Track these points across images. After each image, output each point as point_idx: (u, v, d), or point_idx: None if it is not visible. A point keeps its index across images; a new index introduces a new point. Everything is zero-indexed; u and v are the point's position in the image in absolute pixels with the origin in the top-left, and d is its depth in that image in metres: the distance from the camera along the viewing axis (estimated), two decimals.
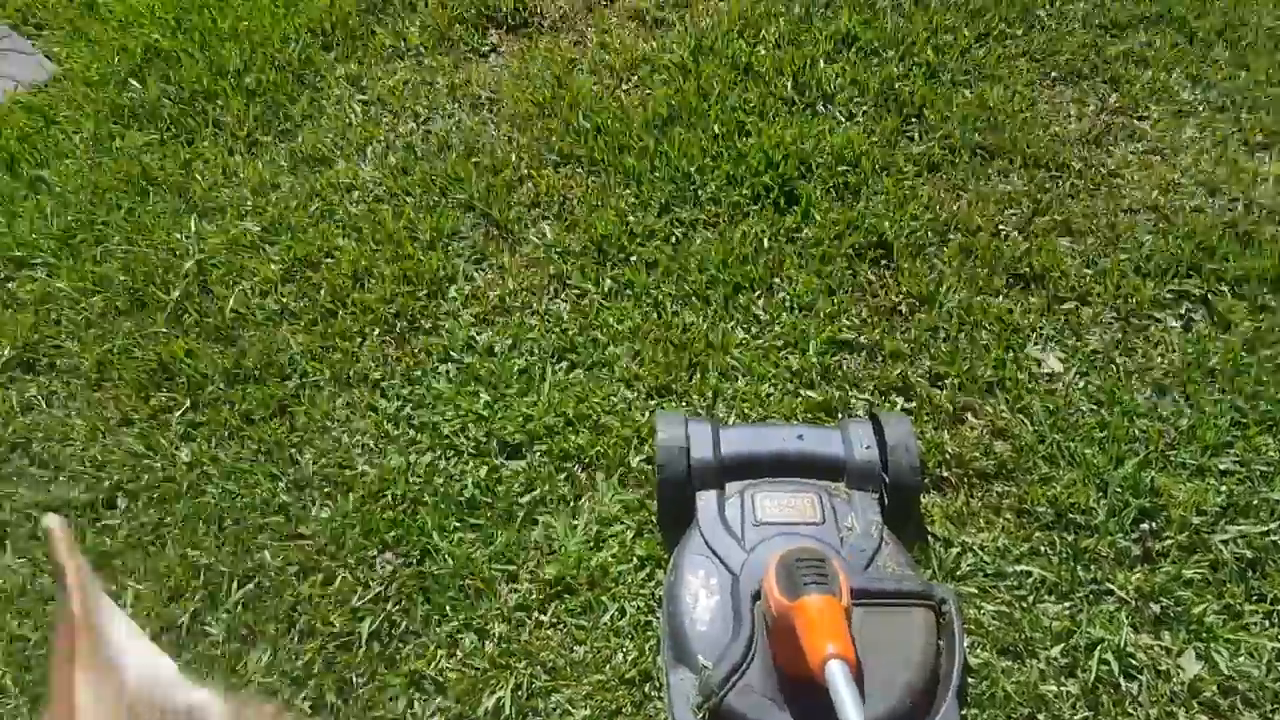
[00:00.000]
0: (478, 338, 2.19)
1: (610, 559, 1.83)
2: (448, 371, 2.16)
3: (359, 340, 2.22)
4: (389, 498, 1.96)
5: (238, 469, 2.05)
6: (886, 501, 1.74)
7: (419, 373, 2.16)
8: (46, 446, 2.15)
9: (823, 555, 1.46)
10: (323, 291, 2.31)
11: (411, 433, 2.07)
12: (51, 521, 0.58)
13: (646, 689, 1.67)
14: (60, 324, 2.34)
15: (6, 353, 2.29)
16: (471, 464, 1.99)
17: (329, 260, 2.37)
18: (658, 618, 1.74)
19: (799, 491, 1.73)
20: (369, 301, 2.27)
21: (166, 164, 2.60)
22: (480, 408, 2.06)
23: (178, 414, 2.16)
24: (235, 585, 1.88)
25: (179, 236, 2.45)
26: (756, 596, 1.56)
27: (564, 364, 2.14)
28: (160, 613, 1.87)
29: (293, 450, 2.07)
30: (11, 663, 1.86)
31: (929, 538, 1.77)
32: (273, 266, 2.37)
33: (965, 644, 1.56)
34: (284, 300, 2.31)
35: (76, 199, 2.55)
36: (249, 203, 2.51)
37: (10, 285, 2.43)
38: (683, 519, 1.77)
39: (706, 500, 1.74)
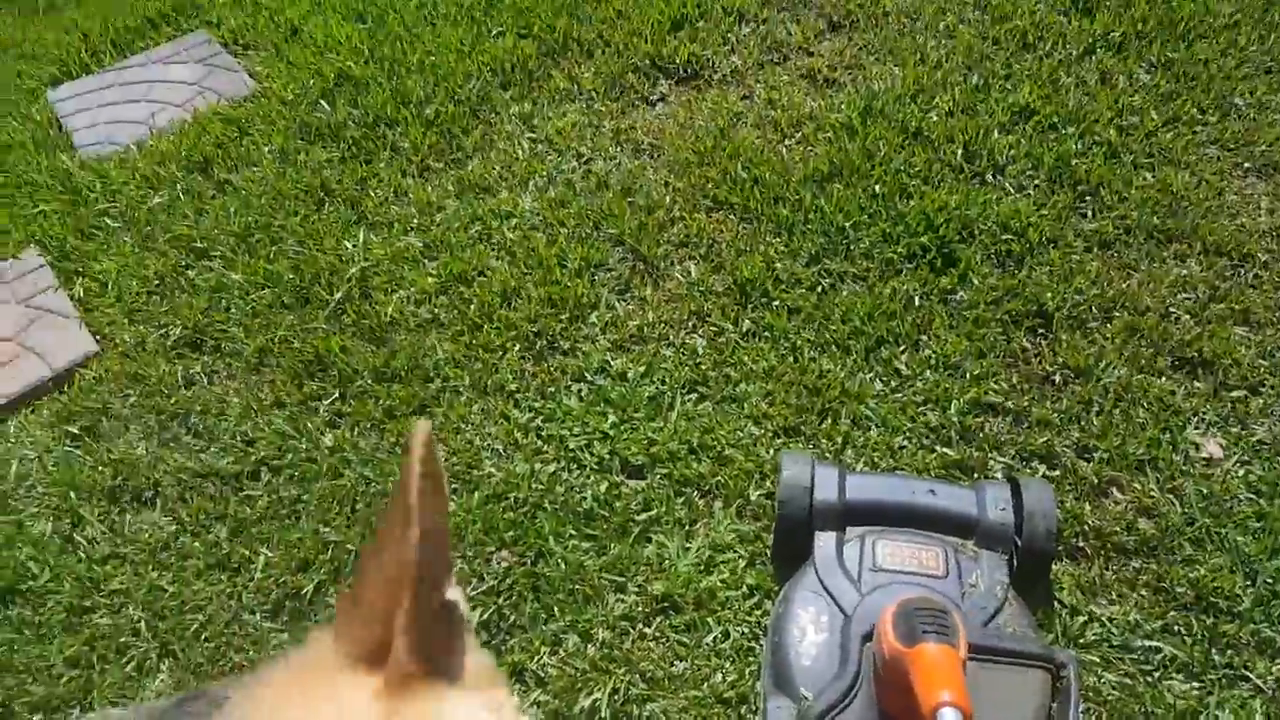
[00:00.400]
0: (612, 362, 2.59)
1: (719, 583, 2.12)
2: (580, 391, 2.56)
3: (500, 354, 2.66)
4: (511, 500, 2.34)
5: (375, 458, 2.49)
6: (1016, 565, 1.96)
7: (553, 389, 2.56)
8: (203, 419, 2.67)
9: (944, 607, 1.66)
10: (472, 306, 2.78)
11: (539, 443, 2.46)
12: (423, 425, 0.73)
13: (742, 711, 1.93)
14: (230, 311, 2.92)
15: (178, 331, 2.86)
16: (593, 478, 2.36)
17: (481, 278, 2.86)
18: (760, 644, 2.01)
19: (924, 544, 1.97)
20: (514, 319, 2.72)
21: (344, 179, 3.21)
22: (607, 427, 2.44)
23: (326, 402, 2.65)
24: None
25: (347, 245, 3.02)
26: (867, 639, 1.79)
27: (694, 395, 2.49)
28: (289, 580, 2.29)
29: None
30: (147, 610, 2.31)
31: (1055, 603, 1.98)
32: (429, 279, 2.88)
33: (1081, 710, 1.75)
34: (436, 311, 2.80)
35: (258, 203, 3.18)
36: (415, 220, 3.06)
37: (190, 273, 3.04)
38: (797, 557, 2.04)
39: (825, 540, 2.00)
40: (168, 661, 2.23)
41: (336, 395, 2.66)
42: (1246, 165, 2.79)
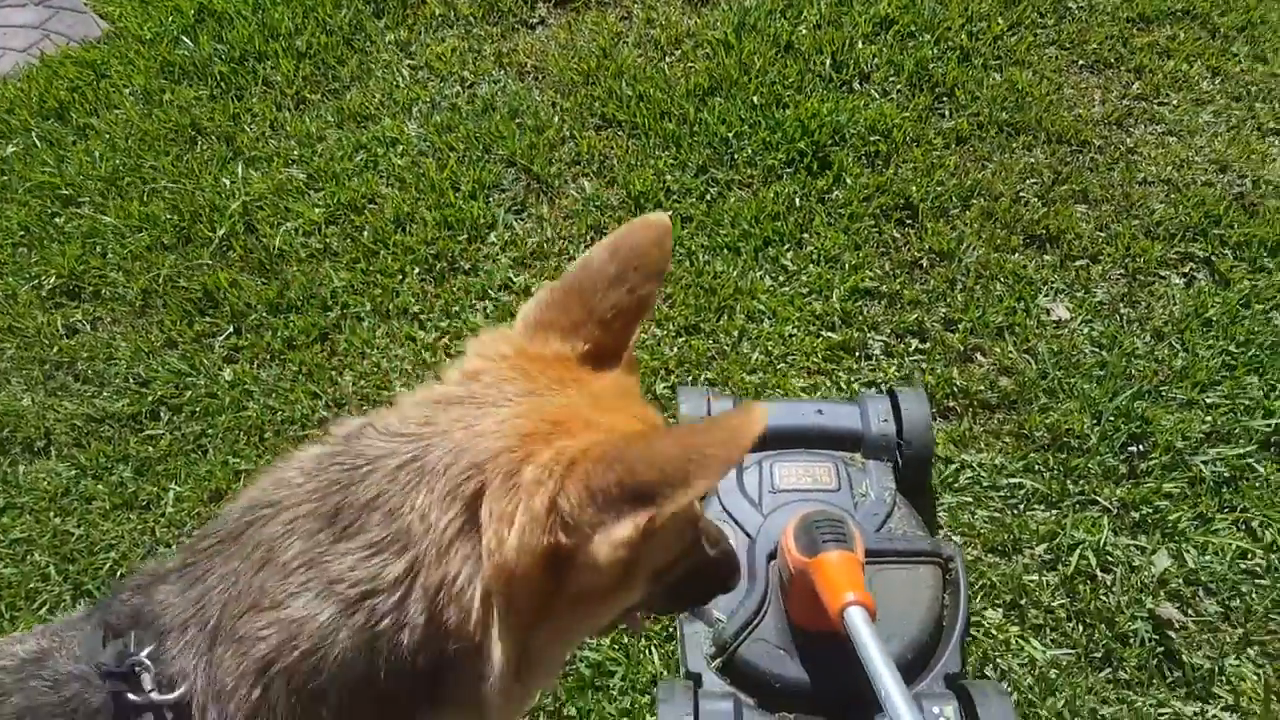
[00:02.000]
0: (515, 278, 2.91)
1: None
2: (485, 308, 2.87)
3: (399, 278, 2.95)
4: None
5: (279, 388, 2.75)
6: (901, 470, 2.32)
7: (457, 309, 2.87)
8: (91, 365, 2.87)
9: (840, 516, 2.00)
10: (365, 233, 3.05)
11: (449, 361, 2.77)
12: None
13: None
14: (106, 256, 3.09)
15: (53, 281, 3.03)
16: None
17: (372, 206, 3.13)
18: None
19: (816, 462, 2.32)
20: (410, 244, 3.01)
21: (215, 116, 3.40)
22: None
23: (221, 338, 2.88)
24: None
25: (225, 181, 3.22)
26: (771, 557, 2.13)
27: None
28: (201, 512, 2.54)
29: (333, 373, 2.77)
30: (54, 554, 2.52)
31: (933, 456, 2.42)
32: (317, 210, 3.12)
33: (969, 600, 2.12)
34: (327, 240, 3.06)
35: (125, 145, 3.34)
36: (295, 152, 3.29)
37: (58, 220, 3.19)
38: None
39: None
40: (83, 602, 2.44)
41: (231, 330, 2.90)
42: (1081, 62, 3.32)
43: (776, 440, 2.35)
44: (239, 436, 2.67)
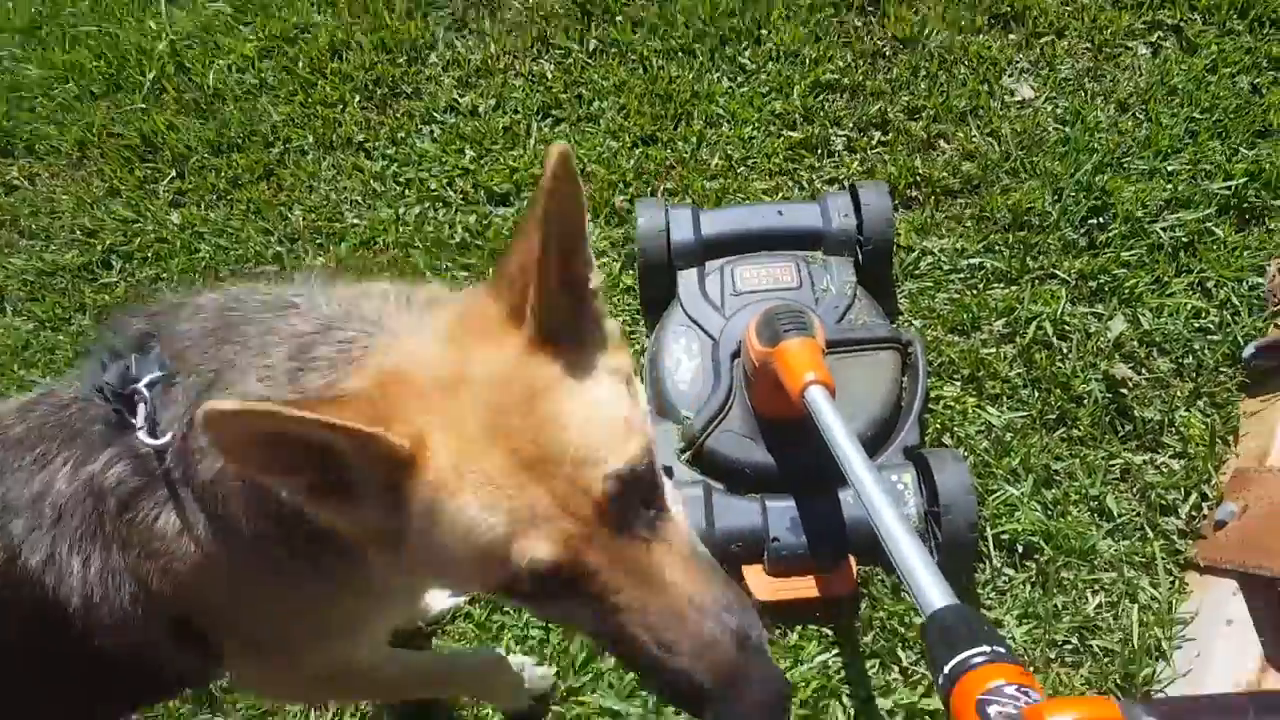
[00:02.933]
0: (460, 100, 3.09)
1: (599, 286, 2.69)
2: (432, 132, 3.06)
3: (340, 107, 3.13)
4: (381, 244, 2.85)
5: (229, 227, 2.96)
6: (862, 263, 2.55)
7: (403, 134, 3.06)
8: (35, 220, 3.08)
9: (800, 309, 2.23)
10: (301, 64, 3.22)
11: (399, 188, 2.97)
12: (556, 149, 1.07)
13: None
14: (35, 110, 3.26)
15: None
16: (460, 213, 2.89)
17: (305, 35, 3.29)
18: (643, 335, 2.61)
19: (776, 261, 2.56)
20: (348, 71, 3.18)
21: None
22: (466, 163, 2.96)
23: (164, 183, 3.09)
24: None
25: (150, 23, 3.38)
26: (735, 356, 2.39)
27: (549, 120, 3.04)
28: None
29: (282, 208, 2.98)
30: None
31: (894, 247, 2.63)
32: (248, 45, 3.28)
33: (927, 378, 2.40)
34: (262, 75, 3.23)
35: None
36: None
37: None
38: (663, 299, 2.59)
39: (687, 277, 2.57)
40: None
41: (174, 174, 3.11)
42: None
43: (737, 244, 2.59)
44: (194, 278, 2.91)
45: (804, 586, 2.15)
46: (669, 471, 2.28)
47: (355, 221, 2.93)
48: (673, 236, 2.55)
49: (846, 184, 2.73)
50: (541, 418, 1.13)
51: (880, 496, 1.60)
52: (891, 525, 1.52)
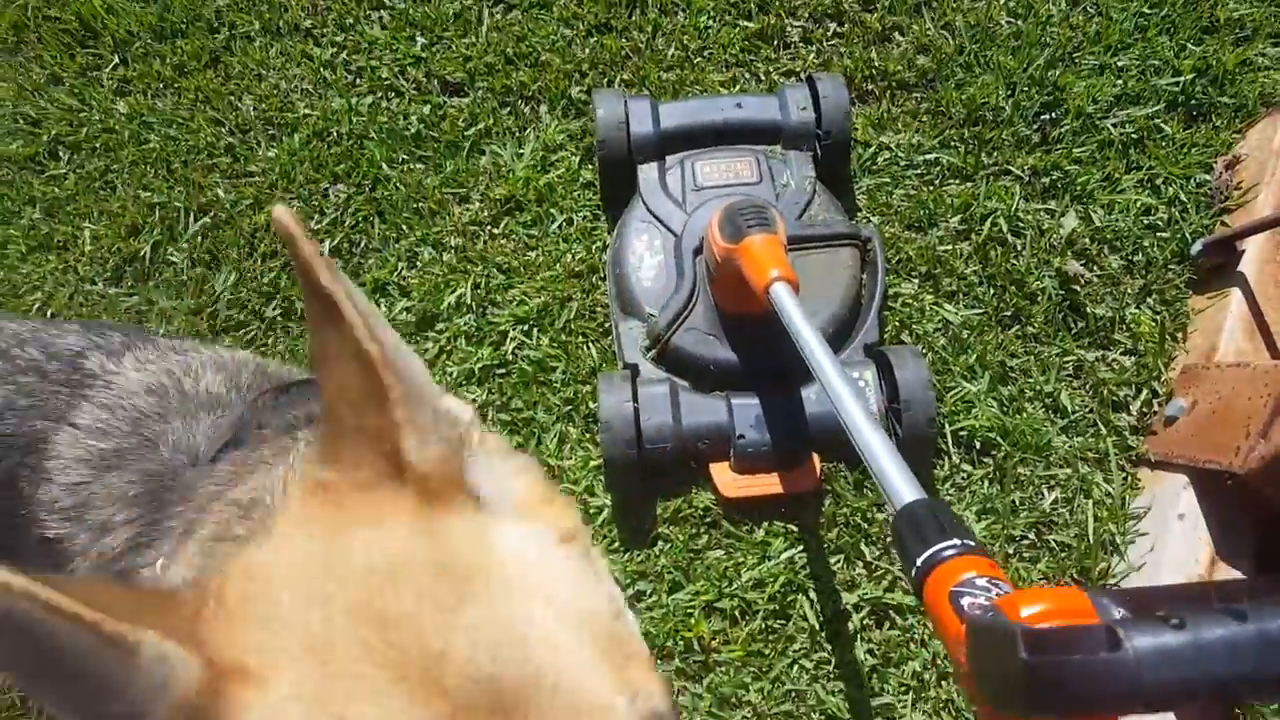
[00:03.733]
0: None
1: (556, 179, 2.66)
2: (381, 18, 2.92)
3: None
4: (334, 136, 2.76)
5: (178, 117, 2.83)
6: (820, 157, 2.51)
7: (351, 20, 2.92)
8: None
9: (762, 204, 2.19)
10: None
11: (350, 77, 2.85)
12: (279, 212, 0.73)
13: (594, 279, 2.53)
14: None
15: None
16: (414, 103, 2.79)
17: None
18: (604, 230, 2.59)
19: (737, 156, 2.51)
20: None
21: None
22: (418, 50, 2.84)
23: (108, 70, 2.92)
24: (192, 219, 2.69)
25: None
26: (698, 252, 2.35)
27: (500, 6, 2.91)
28: (120, 248, 2.68)
29: (231, 98, 2.84)
30: None
31: (852, 141, 2.62)
32: None
33: (886, 275, 2.40)
34: None
35: None
36: None
37: None
38: (623, 194, 2.54)
39: (648, 171, 2.52)
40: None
41: (117, 60, 2.94)
42: None
43: (697, 138, 2.54)
44: (146, 170, 2.78)
45: (769, 483, 2.17)
46: (636, 369, 2.29)
47: (307, 112, 2.80)
48: (632, 129, 2.48)
49: (803, 76, 2.67)
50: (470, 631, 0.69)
51: (847, 393, 1.60)
52: (859, 421, 1.52)
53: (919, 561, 1.16)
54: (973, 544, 1.15)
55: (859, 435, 1.52)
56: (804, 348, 1.79)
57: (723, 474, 2.21)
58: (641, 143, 2.50)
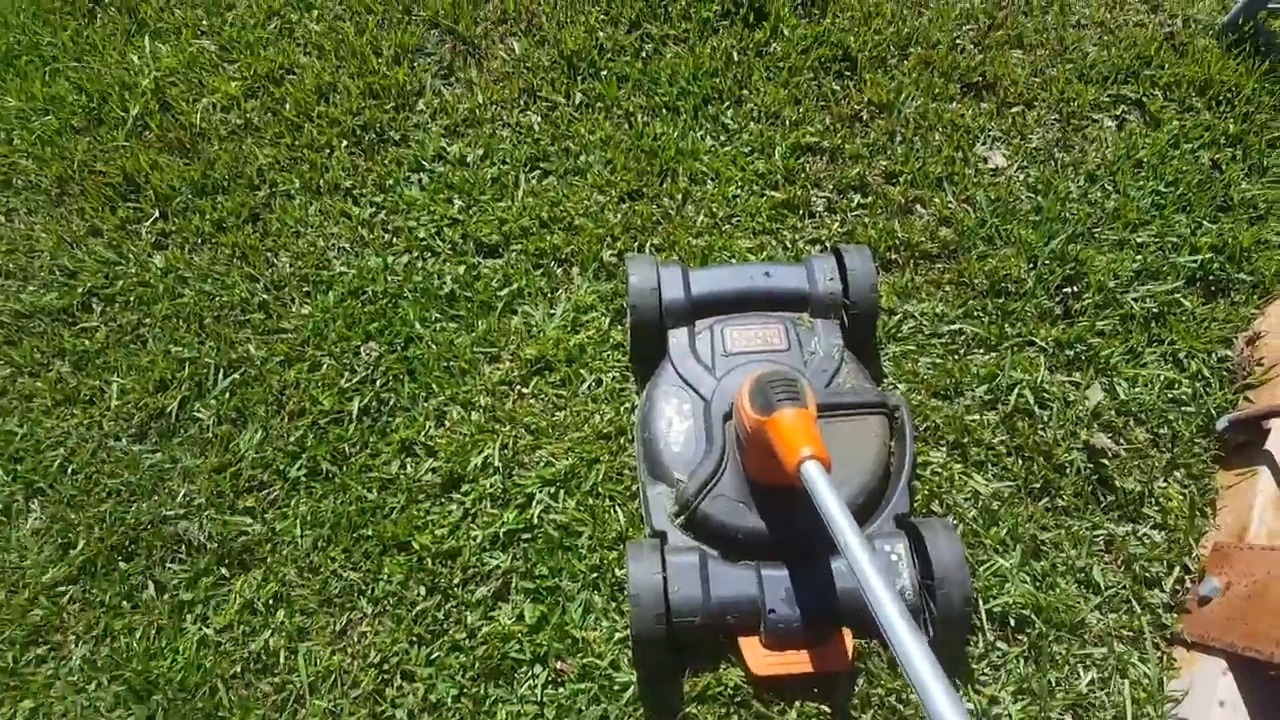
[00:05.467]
0: (448, 148, 2.95)
1: (586, 339, 2.61)
2: (420, 180, 2.92)
3: (328, 152, 2.97)
4: (369, 294, 2.72)
5: (214, 272, 2.79)
6: (848, 326, 2.46)
7: (390, 181, 2.91)
8: (12, 259, 2.88)
9: (793, 375, 2.13)
10: (287, 106, 3.05)
11: (387, 236, 2.83)
12: None
13: (621, 441, 2.45)
14: (13, 143, 3.05)
15: None
16: (449, 263, 2.76)
17: (291, 76, 3.12)
18: (633, 392, 2.52)
19: (766, 324, 2.46)
20: (335, 115, 3.02)
21: None
22: (455, 212, 2.83)
23: (147, 224, 2.90)
24: (221, 375, 2.63)
25: (133, 57, 3.18)
26: (727, 417, 2.28)
27: (537, 172, 2.91)
28: (147, 403, 2.61)
29: (268, 254, 2.82)
30: (0, 455, 2.58)
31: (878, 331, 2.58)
32: (233, 84, 3.10)
33: (915, 444, 2.31)
34: (248, 115, 3.05)
35: (17, 22, 3.25)
36: (204, 22, 3.24)
37: None
38: (653, 357, 2.48)
39: (678, 336, 2.46)
40: (37, 500, 2.54)
41: (156, 215, 2.92)
42: None
43: (726, 305, 2.49)
44: (178, 324, 2.73)
45: (799, 660, 2.05)
46: (664, 537, 2.19)
47: (343, 270, 2.78)
48: (664, 295, 2.44)
49: (829, 246, 2.65)
50: None
51: (887, 595, 1.53)
52: (895, 624, 1.46)
53: None
54: None
55: (898, 647, 1.46)
56: (835, 531, 1.72)
57: (753, 649, 2.08)
58: (672, 308, 2.45)
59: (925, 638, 1.45)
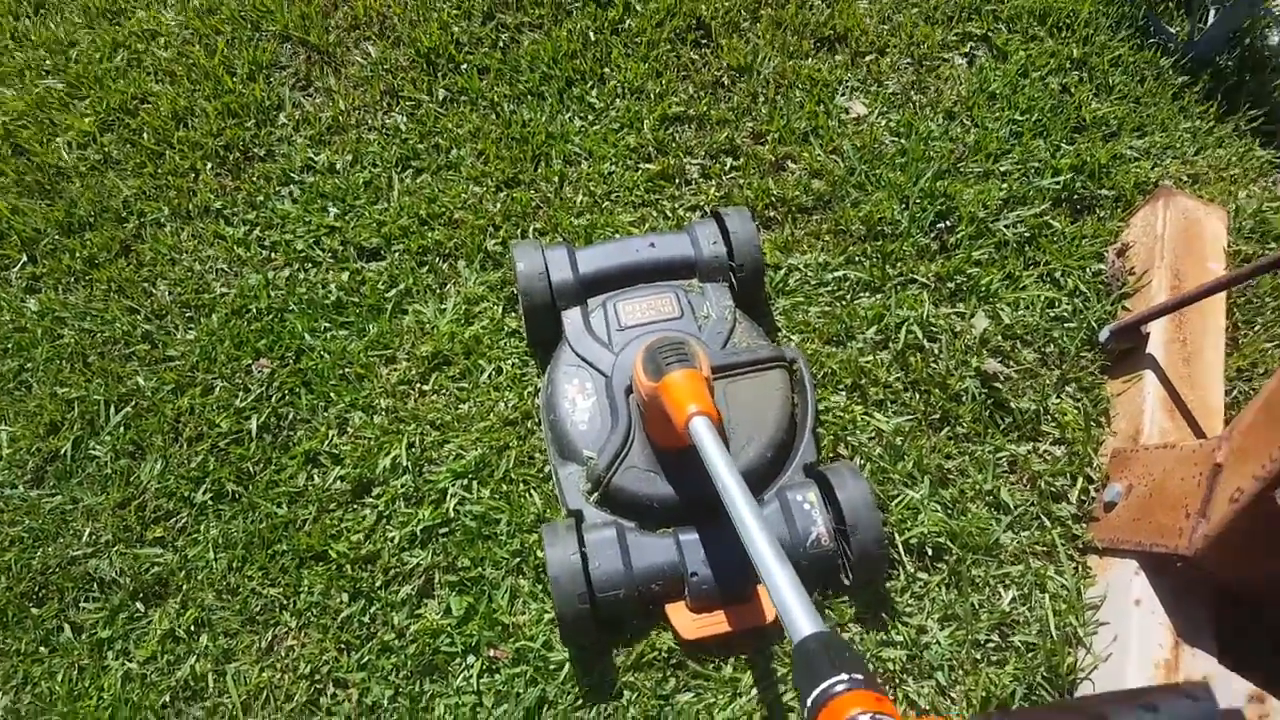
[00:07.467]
0: (316, 158, 2.81)
1: (481, 330, 2.50)
2: (291, 193, 2.78)
3: (193, 175, 2.81)
4: (253, 312, 2.57)
5: (91, 309, 2.62)
6: (736, 287, 2.41)
7: (261, 198, 2.76)
8: None
9: (681, 339, 2.07)
10: (145, 135, 2.87)
11: (264, 252, 2.68)
12: None
13: (529, 425, 2.37)
14: None
15: None
16: (331, 271, 2.63)
17: (146, 105, 2.94)
18: (534, 376, 2.44)
19: (657, 294, 2.40)
20: (196, 138, 2.85)
21: None
22: (331, 220, 2.69)
23: (15, 269, 2.71)
24: (113, 410, 2.46)
25: None
26: (629, 391, 2.21)
27: (409, 171, 2.79)
28: (39, 448, 2.44)
29: (145, 285, 2.65)
30: None
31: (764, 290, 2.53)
32: (86, 119, 2.91)
33: (815, 392, 2.27)
34: (106, 149, 2.87)
35: None
36: (48, 62, 3.04)
37: None
38: (550, 339, 2.40)
39: (572, 316, 2.38)
40: None
41: (24, 259, 2.73)
42: None
43: (615, 280, 2.42)
44: (61, 365, 2.55)
45: (726, 620, 2.00)
46: (580, 515, 2.11)
47: (223, 291, 2.61)
48: (553, 277, 2.36)
49: (709, 211, 2.59)
50: None
51: (754, 524, 1.55)
52: (764, 553, 1.49)
53: (809, 699, 1.18)
54: (861, 678, 1.17)
55: (762, 568, 1.49)
56: (717, 480, 1.70)
57: (680, 614, 2.02)
58: (562, 289, 2.37)
59: (789, 564, 1.50)
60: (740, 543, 1.98)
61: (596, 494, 2.14)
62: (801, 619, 1.35)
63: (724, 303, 2.36)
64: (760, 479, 2.13)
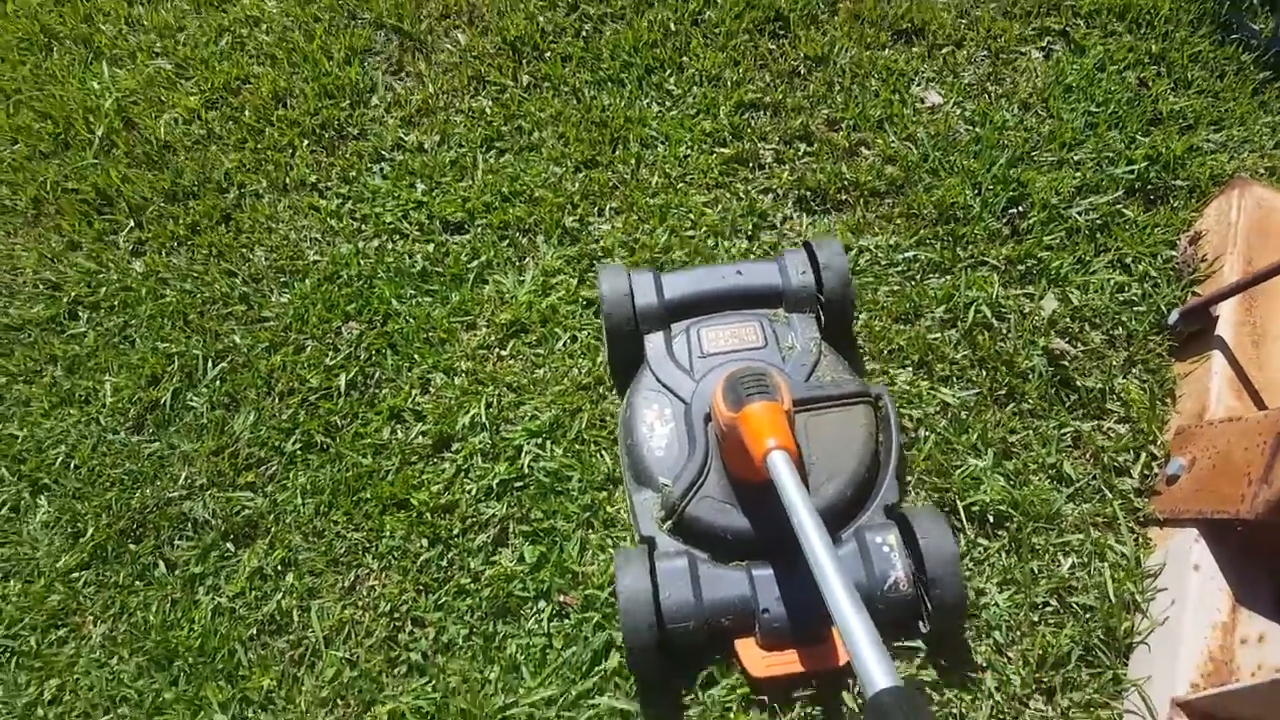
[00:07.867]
0: (406, 137, 2.93)
1: (558, 300, 2.59)
2: (382, 169, 2.90)
3: (290, 151, 2.94)
4: (344, 278, 2.69)
5: (193, 272, 2.76)
6: (823, 318, 2.39)
7: (354, 173, 2.89)
8: None
9: (763, 370, 2.05)
10: (247, 113, 3.02)
11: (356, 224, 2.80)
12: None
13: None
14: None
15: None
16: (418, 243, 2.74)
17: (247, 86, 3.09)
18: (614, 401, 2.48)
19: (741, 322, 2.38)
20: (294, 117, 2.99)
21: (66, 20, 3.28)
22: (419, 196, 2.80)
23: (123, 234, 2.86)
24: (210, 365, 2.59)
25: (93, 83, 3.13)
26: (708, 419, 2.20)
27: (493, 151, 2.89)
28: (141, 397, 2.57)
29: (243, 250, 2.78)
30: (4, 457, 2.53)
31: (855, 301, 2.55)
32: (192, 98, 3.07)
33: (900, 433, 2.22)
34: (210, 125, 3.02)
35: None
36: (157, 45, 3.21)
37: None
38: (631, 363, 2.39)
39: (654, 341, 2.37)
40: (44, 496, 2.48)
41: (132, 224, 2.88)
42: None
43: (700, 306, 2.39)
44: (163, 323, 2.69)
45: (793, 660, 1.95)
46: (652, 543, 2.08)
47: (316, 258, 2.74)
48: (637, 301, 2.34)
49: (800, 241, 2.53)
50: None
51: (830, 566, 1.50)
52: (839, 597, 1.45)
53: None
54: None
55: (837, 615, 1.47)
56: (793, 518, 1.68)
57: (749, 651, 1.98)
58: (646, 313, 2.36)
59: (865, 612, 1.47)
60: (811, 583, 1.84)
61: (670, 522, 2.11)
62: (876, 672, 1.32)
63: (810, 334, 2.33)
64: (839, 517, 2.07)
